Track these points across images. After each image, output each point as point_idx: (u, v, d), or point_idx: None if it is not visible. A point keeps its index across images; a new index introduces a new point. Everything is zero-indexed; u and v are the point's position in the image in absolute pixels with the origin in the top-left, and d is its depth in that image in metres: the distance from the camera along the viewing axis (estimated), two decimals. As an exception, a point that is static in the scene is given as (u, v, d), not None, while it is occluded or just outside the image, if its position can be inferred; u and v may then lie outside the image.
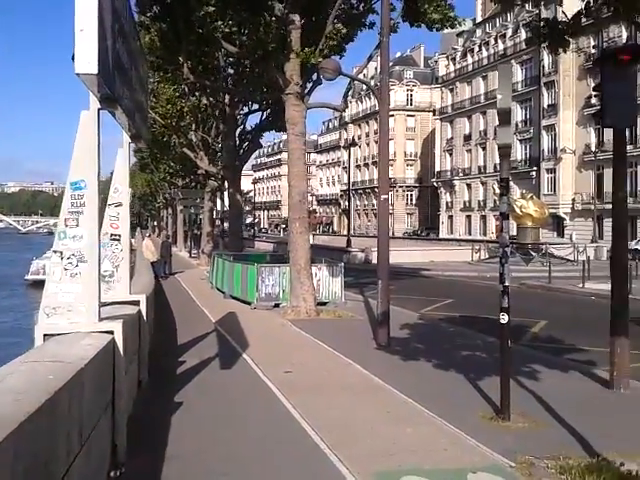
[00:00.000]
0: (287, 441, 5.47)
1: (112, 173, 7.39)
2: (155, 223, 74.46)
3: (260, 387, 7.34)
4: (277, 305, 14.24)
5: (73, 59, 3.94)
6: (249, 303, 14.59)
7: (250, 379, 7.74)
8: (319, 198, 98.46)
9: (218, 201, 34.43)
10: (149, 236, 26.45)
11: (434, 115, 71.08)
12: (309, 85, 15.22)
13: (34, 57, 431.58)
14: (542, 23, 4.64)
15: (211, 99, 24.18)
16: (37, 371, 3.23)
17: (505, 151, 6.58)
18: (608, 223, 41.56)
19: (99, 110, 4.69)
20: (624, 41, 39.73)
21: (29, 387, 2.85)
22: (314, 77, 14.98)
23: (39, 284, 32.75)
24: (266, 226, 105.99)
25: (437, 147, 69.31)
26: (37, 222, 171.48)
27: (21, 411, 2.44)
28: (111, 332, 4.59)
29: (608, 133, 37.59)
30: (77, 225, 4.65)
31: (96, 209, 4.72)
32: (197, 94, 24.60)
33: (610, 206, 7.84)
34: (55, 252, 4.65)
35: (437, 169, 68.47)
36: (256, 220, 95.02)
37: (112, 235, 6.74)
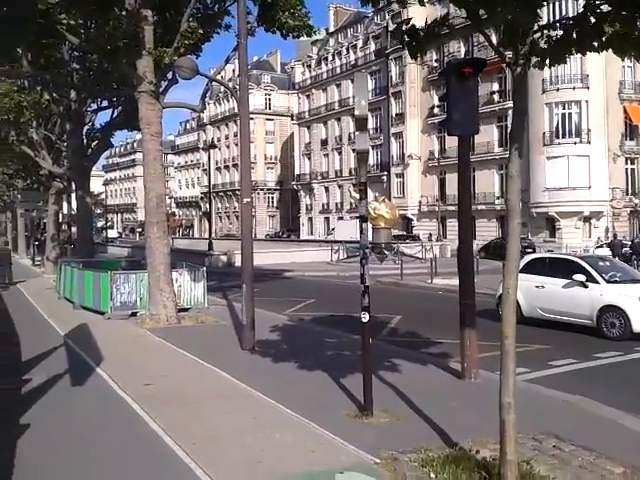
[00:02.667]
0: (150, 460, 5.14)
1: None
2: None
3: (117, 403, 6.84)
4: (134, 314, 13.48)
5: None
6: (103, 313, 13.65)
7: (106, 395, 7.18)
8: (178, 200, 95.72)
9: (65, 204, 31.95)
10: (-16, 243, 23.86)
11: (292, 120, 72.30)
12: (164, 83, 14.65)
13: None
14: (404, 27, 4.80)
15: (54, 94, 22.38)
16: None
17: (363, 156, 6.76)
18: (451, 223, 45.17)
19: None
20: (462, 55, 43.40)
21: None
22: (169, 75, 14.45)
23: None
24: (120, 230, 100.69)
25: (296, 151, 70.65)
26: None
27: None
28: None
29: (450, 141, 40.84)
30: None
31: None
32: (39, 88, 22.65)
33: (453, 207, 8.44)
34: None
35: (297, 172, 69.77)
36: (109, 223, 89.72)
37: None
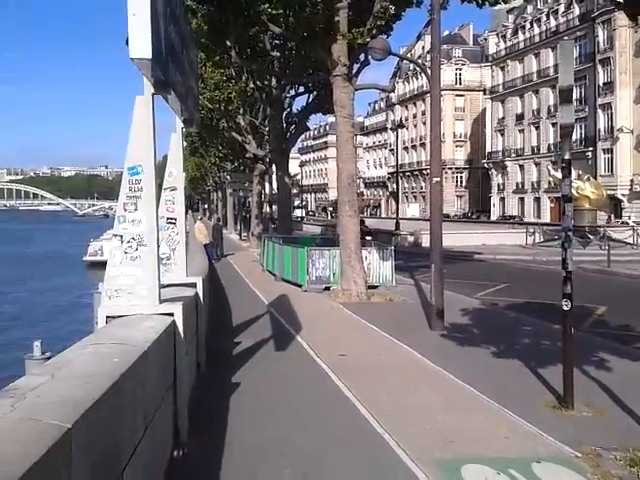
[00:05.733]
0: (344, 425, 5.44)
1: (164, 157, 7.44)
2: (206, 206, 75.67)
3: (315, 370, 7.33)
4: (327, 288, 14.22)
5: (127, 44, 3.94)
6: (300, 286, 14.64)
7: (304, 361, 7.75)
8: (366, 181, 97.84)
9: (266, 184, 34.63)
10: (201, 219, 27.02)
11: (484, 94, 69.33)
12: (357, 66, 14.98)
13: (91, 42, 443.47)
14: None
15: (258, 83, 24.19)
16: (102, 354, 3.27)
17: (567, 131, 6.27)
18: (671, 204, 39.84)
19: (153, 95, 4.68)
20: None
21: (95, 370, 2.88)
22: (362, 58, 14.73)
23: (96, 265, 34.56)
24: (313, 209, 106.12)
25: (488, 127, 67.66)
26: (93, 205, 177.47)
27: (90, 395, 2.46)
28: (171, 314, 4.64)
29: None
30: (136, 209, 4.68)
31: (153, 193, 4.74)
32: (244, 78, 24.65)
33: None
34: (115, 236, 4.71)
35: (488, 150, 66.91)
36: (304, 203, 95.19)
37: (168, 219, 6.81)
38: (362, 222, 17.43)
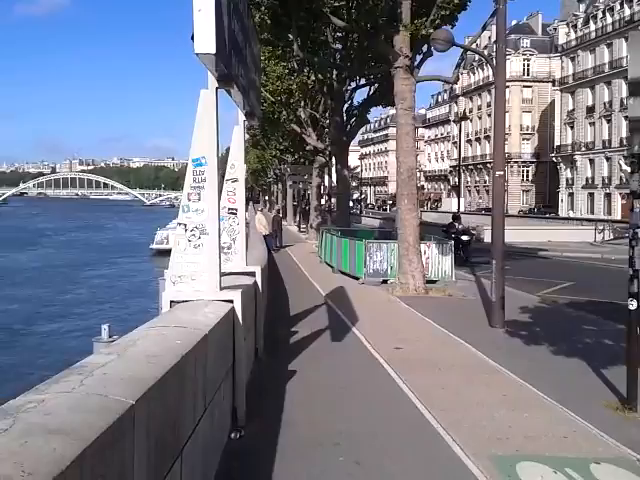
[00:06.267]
0: (399, 418, 5.45)
1: (227, 150, 7.62)
2: (266, 198, 76.75)
3: (370, 362, 7.37)
4: (385, 281, 14.19)
5: (193, 39, 4.06)
6: (357, 278, 14.68)
7: (360, 353, 7.79)
8: (427, 174, 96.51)
9: (326, 177, 34.77)
10: (261, 210, 27.40)
11: (553, 86, 66.83)
12: (419, 57, 14.80)
13: (156, 37, 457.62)
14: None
15: (319, 75, 24.27)
16: (166, 336, 3.42)
17: (636, 124, 5.99)
18: None
19: (217, 89, 4.81)
20: None
21: (159, 350, 3.02)
22: (424, 49, 14.53)
23: (162, 252, 36.02)
24: (372, 202, 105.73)
25: (557, 120, 65.20)
26: (160, 195, 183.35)
27: (153, 373, 2.59)
28: (231, 301, 4.78)
29: None
30: (199, 199, 4.85)
31: (216, 184, 4.89)
32: (306, 70, 24.78)
33: None
34: (180, 224, 4.89)
35: (557, 143, 64.50)
36: (362, 196, 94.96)
37: (229, 209, 6.99)
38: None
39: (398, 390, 6.26)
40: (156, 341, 3.27)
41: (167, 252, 4.98)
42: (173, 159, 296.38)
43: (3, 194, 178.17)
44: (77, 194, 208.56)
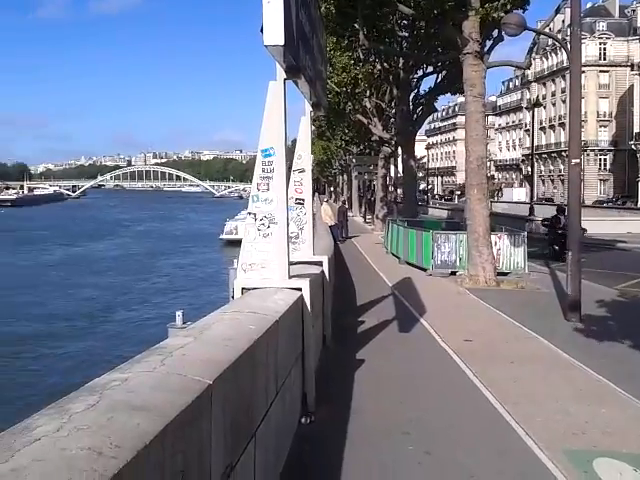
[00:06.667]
0: (469, 410, 5.37)
1: (293, 141, 7.70)
2: (332, 189, 77.01)
3: (439, 353, 7.29)
4: (453, 273, 13.94)
5: (262, 31, 4.10)
6: (424, 269, 14.50)
7: (429, 344, 7.72)
8: (498, 163, 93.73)
9: (392, 167, 34.46)
10: (327, 201, 27.57)
11: (632, 70, 63.26)
12: (489, 43, 14.38)
13: (224, 30, 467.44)
14: None
15: (385, 64, 24.02)
16: (239, 321, 3.52)
17: None
18: None
19: (285, 80, 4.85)
20: None
21: (233, 335, 3.11)
22: (494, 34, 14.11)
23: (232, 243, 37.17)
24: (440, 192, 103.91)
25: (636, 106, 61.72)
26: (229, 187, 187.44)
27: (228, 356, 2.67)
28: (299, 289, 4.85)
29: None
30: (268, 189, 4.93)
31: (284, 175, 4.96)
32: (371, 60, 24.58)
33: None
34: (249, 214, 5.00)
35: (636, 130, 61.11)
36: (429, 186, 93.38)
37: (297, 199, 7.06)
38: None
39: (468, 382, 6.15)
40: (231, 325, 3.37)
41: (236, 242, 5.14)
42: (241, 151, 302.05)
43: (82, 186, 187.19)
44: (151, 186, 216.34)
